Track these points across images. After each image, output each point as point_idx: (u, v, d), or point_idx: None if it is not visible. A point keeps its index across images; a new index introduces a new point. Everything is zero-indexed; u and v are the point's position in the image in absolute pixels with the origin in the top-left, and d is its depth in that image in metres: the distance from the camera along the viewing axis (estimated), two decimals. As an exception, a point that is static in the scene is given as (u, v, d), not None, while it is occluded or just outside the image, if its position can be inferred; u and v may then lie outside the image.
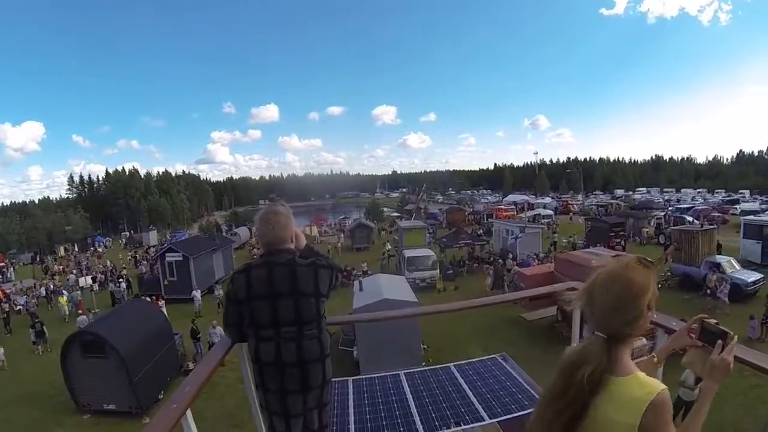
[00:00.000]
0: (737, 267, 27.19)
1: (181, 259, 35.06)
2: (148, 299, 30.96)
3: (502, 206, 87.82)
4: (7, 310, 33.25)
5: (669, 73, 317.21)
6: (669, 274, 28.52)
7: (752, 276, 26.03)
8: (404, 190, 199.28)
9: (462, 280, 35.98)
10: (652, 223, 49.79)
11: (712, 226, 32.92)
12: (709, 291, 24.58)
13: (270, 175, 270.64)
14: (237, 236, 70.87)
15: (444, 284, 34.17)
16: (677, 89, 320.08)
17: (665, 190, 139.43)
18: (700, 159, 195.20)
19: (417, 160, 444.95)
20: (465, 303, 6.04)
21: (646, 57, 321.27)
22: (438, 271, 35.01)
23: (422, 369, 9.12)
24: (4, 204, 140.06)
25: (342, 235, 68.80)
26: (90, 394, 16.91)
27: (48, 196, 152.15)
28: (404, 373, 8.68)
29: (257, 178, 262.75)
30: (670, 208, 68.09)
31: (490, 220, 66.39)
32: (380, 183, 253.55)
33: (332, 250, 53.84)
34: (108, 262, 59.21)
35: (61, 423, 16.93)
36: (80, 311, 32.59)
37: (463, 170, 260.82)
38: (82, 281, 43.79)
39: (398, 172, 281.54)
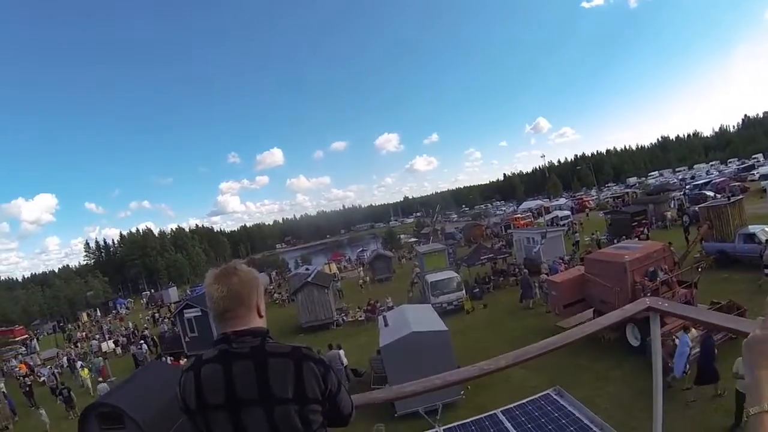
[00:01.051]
0: None
1: (200, 314, 34.02)
2: (170, 358, 30.14)
3: (518, 215, 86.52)
4: (29, 383, 32.52)
5: (660, 53, 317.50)
6: (702, 254, 27.05)
7: None
8: (418, 214, 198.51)
9: (490, 297, 34.67)
10: (672, 205, 48.46)
11: (739, 196, 31.35)
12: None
13: (283, 219, 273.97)
14: (258, 282, 69.55)
15: (472, 304, 32.84)
16: (671, 67, 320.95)
17: (677, 169, 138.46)
18: (707, 132, 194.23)
19: (426, 182, 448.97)
20: (524, 352, 4.90)
21: (635, 42, 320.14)
22: (464, 291, 33.67)
23: (463, 422, 7.96)
24: (25, 276, 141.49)
25: (362, 268, 67.85)
26: None
27: (67, 265, 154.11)
28: (443, 429, 7.58)
29: (271, 222, 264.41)
30: (687, 186, 66.87)
31: (508, 230, 65.15)
32: (393, 211, 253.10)
33: (362, 285, 53.11)
34: (130, 324, 58.85)
35: None
36: (101, 379, 31.92)
37: (474, 185, 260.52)
38: (104, 346, 44.04)
39: (410, 197, 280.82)
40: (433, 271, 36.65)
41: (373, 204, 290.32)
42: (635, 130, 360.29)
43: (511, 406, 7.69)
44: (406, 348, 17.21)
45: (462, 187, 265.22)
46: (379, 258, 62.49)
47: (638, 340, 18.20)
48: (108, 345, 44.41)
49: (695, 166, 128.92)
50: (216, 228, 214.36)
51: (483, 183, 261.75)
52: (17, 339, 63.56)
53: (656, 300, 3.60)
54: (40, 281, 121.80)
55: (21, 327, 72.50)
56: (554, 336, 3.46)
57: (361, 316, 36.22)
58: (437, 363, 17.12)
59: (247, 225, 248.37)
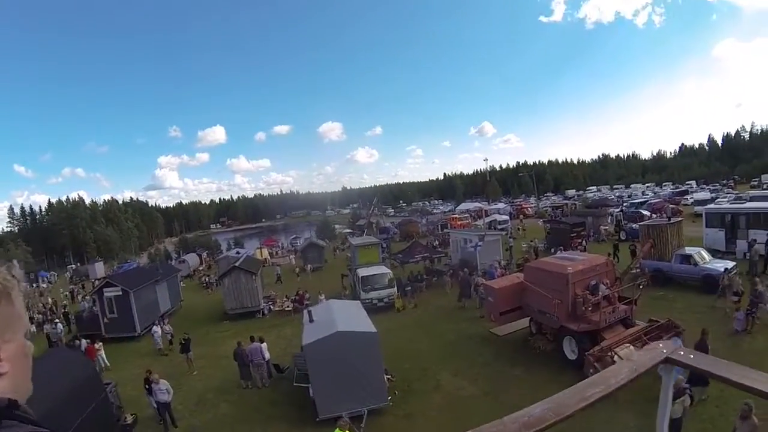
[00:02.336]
0: (707, 257, 26.36)
1: (120, 293, 31.88)
2: (85, 341, 27.65)
3: (456, 215, 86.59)
4: None
5: (609, 75, 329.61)
6: (639, 270, 26.88)
7: (725, 265, 25.01)
8: (355, 205, 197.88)
9: (422, 297, 33.75)
10: (609, 221, 49.14)
11: (679, 218, 31.75)
12: (722, 291, 22.16)
13: (220, 199, 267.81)
14: (185, 264, 67.76)
15: (403, 303, 31.95)
16: (618, 89, 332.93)
17: (615, 186, 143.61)
18: (645, 155, 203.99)
19: (366, 175, 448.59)
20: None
21: (586, 61, 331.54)
22: (396, 289, 32.68)
23: None
24: None
25: (293, 256, 66.34)
26: None
27: None
28: None
29: (207, 202, 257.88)
30: (625, 204, 68.73)
31: (445, 230, 65.03)
32: (331, 200, 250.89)
33: (298, 273, 51.66)
34: (49, 300, 54.55)
35: None
36: None
37: (413, 182, 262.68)
38: None
39: (348, 188, 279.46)
40: (365, 266, 35.53)
41: (311, 192, 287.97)
42: (578, 145, 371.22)
43: None
44: (330, 348, 15.99)
45: (402, 182, 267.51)
46: (312, 247, 61.05)
47: (575, 353, 17.63)
48: None
49: (632, 185, 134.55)
50: (151, 203, 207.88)
51: (423, 181, 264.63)
52: None
53: (676, 350, 2.88)
54: None
55: None
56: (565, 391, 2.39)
57: (288, 307, 34.78)
58: (363, 365, 16.09)
59: (184, 202, 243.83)
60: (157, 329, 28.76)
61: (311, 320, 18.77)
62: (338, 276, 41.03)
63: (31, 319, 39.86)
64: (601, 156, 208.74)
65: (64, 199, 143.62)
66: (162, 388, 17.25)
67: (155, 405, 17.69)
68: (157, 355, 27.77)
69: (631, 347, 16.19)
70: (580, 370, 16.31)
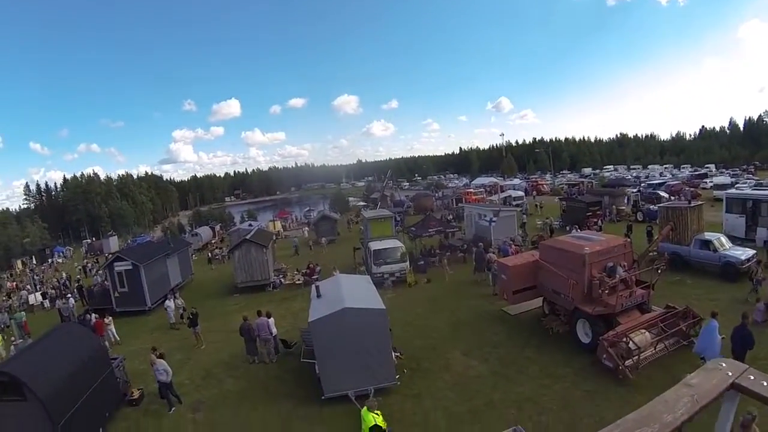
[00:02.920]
0: (727, 244, 25.43)
1: (131, 267, 31.73)
2: (95, 316, 27.60)
3: (471, 189, 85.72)
4: None
5: (630, 52, 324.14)
6: (656, 254, 26.26)
7: (746, 253, 24.30)
8: (370, 178, 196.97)
9: (434, 272, 33.12)
10: (626, 201, 48.25)
11: (699, 202, 30.83)
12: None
13: (235, 171, 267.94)
14: (198, 237, 67.84)
15: (415, 278, 31.43)
16: (638, 68, 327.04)
17: (632, 167, 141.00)
18: (664, 136, 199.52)
19: (382, 148, 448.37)
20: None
21: (606, 38, 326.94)
22: (408, 263, 32.23)
23: None
24: None
25: (306, 228, 66.01)
26: None
27: (7, 208, 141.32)
28: None
29: (222, 175, 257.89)
30: (642, 185, 67.50)
31: (459, 204, 64.17)
32: (346, 173, 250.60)
33: (311, 246, 51.75)
34: (64, 274, 54.68)
35: None
36: (26, 334, 29.34)
37: (429, 155, 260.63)
38: (32, 299, 40.98)
39: (363, 161, 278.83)
40: (378, 239, 35.00)
41: (326, 164, 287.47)
42: (595, 123, 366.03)
43: None
44: (337, 325, 15.60)
45: (417, 156, 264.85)
46: (324, 219, 60.60)
47: (589, 337, 17.13)
48: (36, 297, 41.43)
49: (649, 166, 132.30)
50: (166, 177, 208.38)
51: (438, 154, 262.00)
52: None
53: (745, 373, 2.29)
54: None
55: None
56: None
57: (299, 280, 34.52)
58: (371, 343, 15.75)
59: (198, 176, 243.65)
60: (170, 303, 28.45)
61: (318, 295, 18.36)
62: (351, 249, 40.63)
63: (44, 294, 40.45)
64: (619, 135, 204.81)
65: (78, 175, 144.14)
66: (160, 368, 16.86)
67: (157, 383, 17.42)
68: (168, 329, 27.63)
69: (647, 333, 15.84)
70: (593, 354, 16.05)
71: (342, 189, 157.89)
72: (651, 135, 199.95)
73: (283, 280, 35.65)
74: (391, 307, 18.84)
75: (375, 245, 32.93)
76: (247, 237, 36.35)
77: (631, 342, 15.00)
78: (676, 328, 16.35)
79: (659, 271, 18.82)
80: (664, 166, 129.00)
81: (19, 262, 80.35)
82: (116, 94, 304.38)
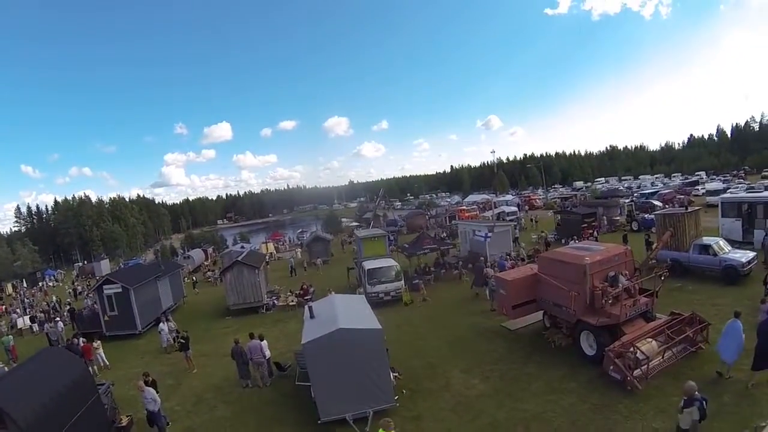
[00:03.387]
0: (726, 248, 25.29)
1: (120, 290, 31.12)
2: (82, 340, 26.55)
3: (464, 207, 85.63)
4: None
5: (616, 66, 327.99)
6: (655, 262, 25.67)
7: (745, 256, 24.27)
8: (362, 199, 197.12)
9: (430, 290, 32.54)
10: (620, 212, 48.22)
11: (696, 208, 30.65)
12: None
13: (227, 194, 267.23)
14: (190, 259, 67.62)
15: (411, 296, 30.93)
16: (625, 80, 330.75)
17: (623, 178, 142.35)
18: (653, 146, 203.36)
19: (373, 169, 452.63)
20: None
21: (593, 53, 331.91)
22: (403, 282, 31.68)
23: None
24: None
25: (299, 250, 65.52)
26: None
27: None
28: None
29: (214, 198, 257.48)
30: (635, 195, 67.77)
31: (453, 222, 64.00)
32: (338, 194, 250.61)
33: (306, 267, 51.49)
34: (54, 297, 54.20)
35: None
36: (12, 359, 28.55)
37: (420, 175, 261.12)
38: (20, 322, 40.32)
39: (355, 182, 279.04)
40: (371, 258, 34.52)
41: (318, 186, 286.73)
42: (585, 137, 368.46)
43: None
44: (331, 346, 14.92)
45: (408, 175, 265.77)
46: (317, 240, 60.05)
47: (593, 349, 16.58)
48: (24, 321, 40.63)
49: (640, 177, 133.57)
50: (158, 200, 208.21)
51: (430, 173, 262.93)
52: None
53: None
54: None
55: None
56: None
57: (293, 301, 33.91)
58: (368, 365, 15.09)
59: (190, 199, 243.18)
60: (163, 326, 27.70)
61: (312, 316, 17.71)
62: (346, 270, 39.99)
63: (32, 318, 39.66)
64: (609, 147, 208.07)
65: (70, 197, 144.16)
66: (148, 397, 16.01)
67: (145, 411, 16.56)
68: (158, 353, 26.85)
69: (654, 342, 15.36)
70: (599, 366, 15.55)
71: (334, 210, 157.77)
72: (640, 146, 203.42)
73: (276, 301, 34.96)
74: (387, 327, 18.25)
75: (369, 264, 32.40)
76: (239, 259, 35.77)
77: (638, 351, 14.50)
78: (683, 335, 15.85)
79: (662, 278, 18.27)
80: (655, 176, 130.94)
81: (9, 285, 78.74)
82: (108, 119, 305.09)
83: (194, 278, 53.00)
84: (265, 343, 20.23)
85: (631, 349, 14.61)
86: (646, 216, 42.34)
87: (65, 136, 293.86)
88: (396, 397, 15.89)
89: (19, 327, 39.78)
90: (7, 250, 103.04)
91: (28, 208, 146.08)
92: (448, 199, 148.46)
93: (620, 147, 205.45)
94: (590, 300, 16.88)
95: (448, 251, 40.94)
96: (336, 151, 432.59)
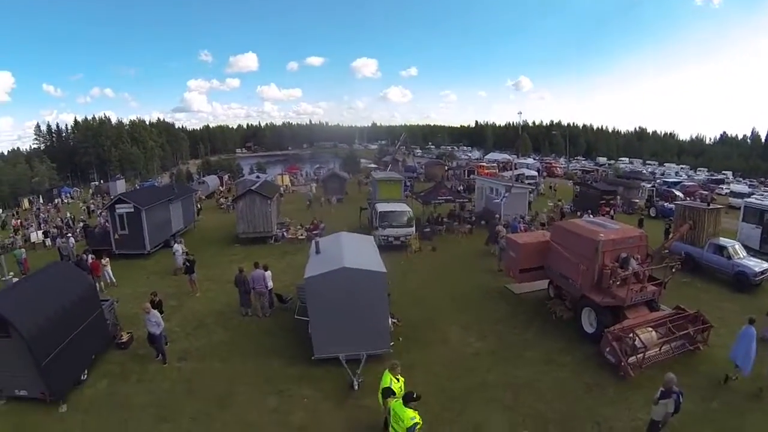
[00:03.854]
0: (741, 253, 24.29)
1: (132, 210, 31.31)
2: (91, 256, 27.34)
3: (484, 163, 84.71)
4: None
5: (657, 47, 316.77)
6: (667, 252, 24.20)
7: (761, 265, 23.12)
8: (383, 142, 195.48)
9: (440, 241, 32.65)
10: (640, 194, 47.20)
11: (719, 206, 29.78)
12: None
13: (248, 124, 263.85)
14: (205, 185, 67.96)
15: (420, 244, 30.93)
16: (664, 61, 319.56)
17: (648, 162, 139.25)
18: (683, 136, 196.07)
19: (397, 114, 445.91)
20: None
21: (636, 27, 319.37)
22: (414, 228, 31.55)
23: None
24: None
25: (314, 185, 65.38)
26: (1, 377, 13.91)
27: (18, 147, 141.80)
28: None
29: (235, 126, 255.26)
30: (658, 181, 66.36)
31: (471, 176, 63.32)
32: (359, 134, 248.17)
33: (323, 203, 51.32)
34: (68, 214, 54.95)
35: None
36: (23, 271, 29.25)
37: (444, 126, 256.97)
38: (33, 236, 41.23)
39: (378, 124, 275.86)
40: (385, 201, 34.46)
41: (341, 124, 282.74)
42: (615, 113, 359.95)
43: None
44: (333, 284, 14.91)
45: (432, 125, 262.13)
46: (334, 177, 59.86)
47: (593, 327, 16.57)
48: (38, 235, 41.55)
49: (666, 164, 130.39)
50: (179, 125, 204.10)
51: (454, 126, 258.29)
52: None
53: None
54: None
55: None
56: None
57: (301, 235, 34.20)
58: (368, 307, 15.10)
59: (211, 126, 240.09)
60: (178, 248, 28.15)
61: (318, 251, 17.63)
62: (358, 209, 40.04)
63: (45, 233, 40.68)
64: (638, 128, 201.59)
65: (90, 117, 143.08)
66: (152, 319, 16.15)
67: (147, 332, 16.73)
68: (164, 274, 27.29)
69: (654, 332, 15.23)
70: (596, 345, 15.53)
71: (354, 150, 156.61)
72: (670, 134, 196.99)
73: (285, 233, 35.21)
74: (392, 272, 18.25)
75: (382, 207, 32.32)
76: (253, 188, 35.80)
77: (637, 339, 14.41)
78: (685, 331, 15.61)
79: (673, 270, 17.89)
80: (681, 166, 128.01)
81: (25, 200, 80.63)
82: (132, 41, 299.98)
83: (199, 205, 53.02)
84: (268, 273, 20.45)
85: (631, 335, 14.54)
86: (665, 204, 41.70)
87: (89, 55, 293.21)
88: (392, 344, 16.00)
89: (32, 241, 40.58)
90: (26, 166, 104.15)
91: (48, 126, 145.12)
92: (469, 153, 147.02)
93: (649, 130, 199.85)
94: (598, 278, 16.72)
95: (463, 205, 40.73)
96: (362, 92, 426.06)
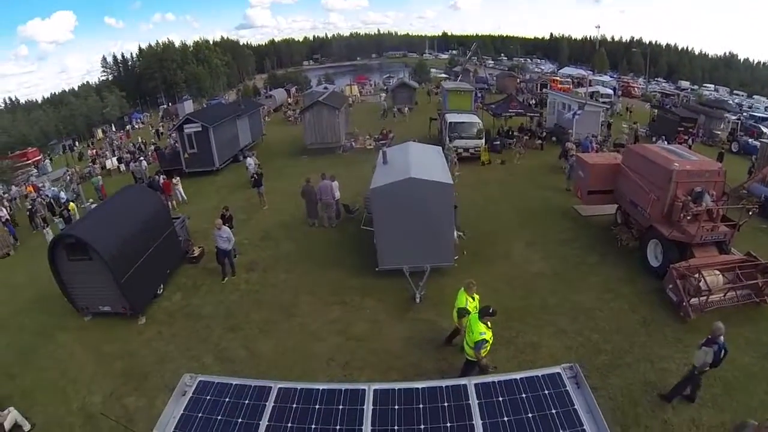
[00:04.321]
0: None
1: (200, 129, 32.37)
2: (163, 177, 28.68)
3: (558, 77, 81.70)
4: (30, 207, 30.24)
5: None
6: (746, 193, 22.69)
7: None
8: (454, 51, 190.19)
9: (510, 154, 32.17)
10: (723, 126, 44.27)
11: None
12: None
13: (314, 36, 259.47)
14: (272, 98, 68.95)
15: (490, 157, 30.76)
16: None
17: (735, 92, 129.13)
18: None
19: (469, 24, 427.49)
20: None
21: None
22: (483, 140, 31.56)
23: (407, 385, 5.74)
24: (45, 97, 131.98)
25: (383, 95, 64.79)
26: (85, 296, 15.31)
27: (87, 82, 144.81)
28: (376, 390, 5.82)
29: (301, 39, 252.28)
30: (744, 114, 61.75)
31: (544, 90, 61.05)
32: (429, 43, 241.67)
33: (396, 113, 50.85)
34: (139, 139, 57.67)
35: (65, 327, 15.40)
36: (101, 197, 30.93)
37: (517, 37, 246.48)
38: (108, 163, 43.27)
39: (449, 33, 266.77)
40: (455, 112, 34.00)
41: (410, 33, 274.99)
42: (703, 34, 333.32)
43: (493, 378, 5.83)
44: (399, 195, 14.95)
45: (505, 36, 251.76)
46: (403, 87, 59.09)
47: (658, 261, 16.06)
48: (113, 162, 43.47)
49: (755, 96, 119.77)
50: (243, 42, 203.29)
51: (528, 37, 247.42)
52: (30, 161, 62.49)
53: None
54: (59, 101, 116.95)
55: (35, 149, 71.10)
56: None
57: (370, 145, 34.48)
58: (433, 219, 15.13)
59: (276, 40, 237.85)
60: (250, 161, 29.28)
61: (385, 162, 17.67)
62: (428, 120, 39.70)
63: (119, 159, 43.42)
64: (727, 54, 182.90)
65: (154, 43, 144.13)
66: (223, 235, 16.56)
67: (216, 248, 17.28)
68: (234, 188, 28.45)
69: (720, 276, 14.25)
70: (659, 280, 15.09)
71: (425, 59, 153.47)
72: (764, 63, 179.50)
73: (354, 144, 35.53)
74: (459, 184, 18.15)
75: (452, 117, 32.10)
76: (320, 99, 36.01)
77: (702, 280, 13.66)
78: (753, 281, 14.41)
79: (750, 213, 16.98)
80: None
81: (99, 130, 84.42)
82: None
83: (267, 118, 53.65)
84: (336, 184, 20.85)
85: (697, 275, 13.85)
86: (750, 140, 38.33)
87: None
88: (456, 258, 16.19)
89: (107, 168, 42.60)
90: (96, 98, 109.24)
91: (114, 57, 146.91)
92: (543, 66, 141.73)
93: (741, 57, 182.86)
94: (668, 209, 16.09)
95: (532, 119, 40.10)
96: (432, 1, 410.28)
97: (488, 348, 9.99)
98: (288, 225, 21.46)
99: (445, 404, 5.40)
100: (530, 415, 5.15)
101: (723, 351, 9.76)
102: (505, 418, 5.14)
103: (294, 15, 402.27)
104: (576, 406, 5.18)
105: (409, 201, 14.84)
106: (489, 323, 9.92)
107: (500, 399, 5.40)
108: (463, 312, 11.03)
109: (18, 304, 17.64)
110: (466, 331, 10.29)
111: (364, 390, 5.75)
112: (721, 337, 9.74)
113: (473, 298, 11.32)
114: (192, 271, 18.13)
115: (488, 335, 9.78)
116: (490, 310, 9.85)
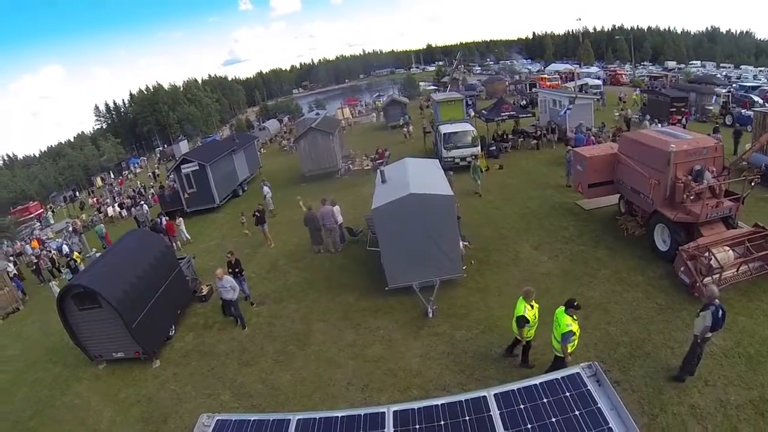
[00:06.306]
0: None
1: (197, 168, 32.71)
2: (165, 218, 29.05)
3: (545, 75, 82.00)
4: (35, 261, 31.42)
5: None
6: (746, 164, 22.64)
7: None
8: (440, 62, 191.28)
9: (507, 158, 32.38)
10: (714, 101, 44.39)
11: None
12: None
13: (300, 64, 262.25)
14: (266, 130, 69.91)
15: (487, 163, 30.60)
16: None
17: (722, 65, 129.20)
18: (761, 34, 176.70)
19: (451, 33, 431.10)
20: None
21: None
22: (479, 147, 31.14)
23: (426, 403, 5.80)
24: (42, 151, 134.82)
25: (375, 114, 65.05)
26: (97, 344, 15.38)
27: (82, 132, 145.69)
28: (395, 411, 5.78)
29: (288, 68, 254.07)
30: (734, 85, 61.70)
31: (533, 90, 61.30)
32: (415, 57, 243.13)
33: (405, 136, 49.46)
34: (138, 183, 58.32)
35: (80, 377, 15.44)
36: (105, 246, 30.93)
37: (501, 40, 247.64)
38: (110, 211, 43.89)
39: (433, 45, 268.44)
40: (448, 122, 33.90)
41: (395, 50, 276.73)
42: (683, 11, 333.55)
43: (512, 386, 5.75)
44: (401, 212, 14.92)
45: (489, 40, 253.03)
46: (394, 104, 59.24)
47: (666, 245, 15.96)
48: (114, 209, 44.06)
49: (742, 67, 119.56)
50: (231, 77, 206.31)
51: (511, 39, 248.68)
52: (32, 215, 63.50)
53: None
54: (56, 153, 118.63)
55: (36, 202, 72.59)
56: None
57: (367, 165, 34.44)
58: (437, 232, 15.05)
59: (263, 71, 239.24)
60: (267, 189, 29.31)
61: (383, 180, 17.66)
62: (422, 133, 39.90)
63: (120, 205, 43.65)
64: (709, 28, 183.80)
65: (144, 88, 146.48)
66: (225, 285, 15.82)
67: (221, 299, 16.63)
68: (235, 225, 28.11)
69: (731, 251, 14.16)
70: (669, 264, 15.00)
71: (412, 73, 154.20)
72: (746, 32, 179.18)
73: (351, 166, 35.59)
74: (460, 194, 18.09)
75: (445, 128, 32.03)
76: (313, 125, 36.17)
77: (713, 258, 13.47)
78: (764, 252, 14.29)
79: (752, 184, 16.79)
80: (759, 69, 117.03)
81: (98, 179, 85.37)
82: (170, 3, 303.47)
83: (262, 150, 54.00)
84: (337, 208, 20.76)
85: (706, 254, 13.68)
86: (743, 111, 37.71)
87: (129, 26, 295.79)
88: (464, 267, 16.09)
89: (110, 215, 43.22)
90: (92, 147, 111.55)
91: (106, 105, 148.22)
92: (529, 66, 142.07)
93: (723, 29, 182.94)
94: (670, 192, 15.98)
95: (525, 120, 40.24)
96: (413, 14, 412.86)
97: (575, 342, 10.00)
98: (294, 254, 21.43)
99: (466, 418, 5.34)
100: (553, 419, 5.08)
101: (721, 311, 9.68)
102: (528, 426, 5.07)
103: (278, 46, 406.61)
104: (599, 405, 5.11)
105: (411, 217, 14.81)
106: (575, 316, 9.97)
107: (521, 407, 5.34)
108: (523, 321, 10.87)
109: (31, 358, 17.78)
110: (553, 322, 10.29)
111: (383, 413, 5.70)
112: (717, 300, 9.71)
113: (532, 306, 11.09)
114: (202, 310, 18.12)
115: (575, 327, 9.81)
116: (575, 303, 9.95)
